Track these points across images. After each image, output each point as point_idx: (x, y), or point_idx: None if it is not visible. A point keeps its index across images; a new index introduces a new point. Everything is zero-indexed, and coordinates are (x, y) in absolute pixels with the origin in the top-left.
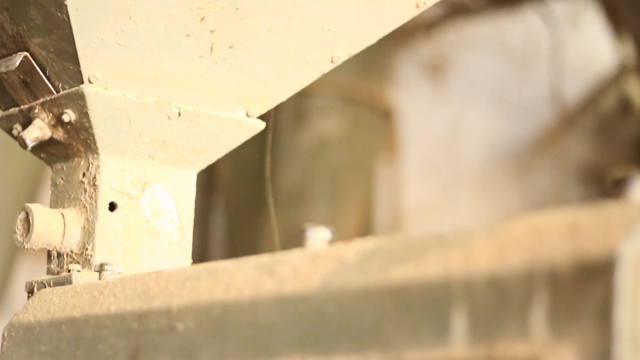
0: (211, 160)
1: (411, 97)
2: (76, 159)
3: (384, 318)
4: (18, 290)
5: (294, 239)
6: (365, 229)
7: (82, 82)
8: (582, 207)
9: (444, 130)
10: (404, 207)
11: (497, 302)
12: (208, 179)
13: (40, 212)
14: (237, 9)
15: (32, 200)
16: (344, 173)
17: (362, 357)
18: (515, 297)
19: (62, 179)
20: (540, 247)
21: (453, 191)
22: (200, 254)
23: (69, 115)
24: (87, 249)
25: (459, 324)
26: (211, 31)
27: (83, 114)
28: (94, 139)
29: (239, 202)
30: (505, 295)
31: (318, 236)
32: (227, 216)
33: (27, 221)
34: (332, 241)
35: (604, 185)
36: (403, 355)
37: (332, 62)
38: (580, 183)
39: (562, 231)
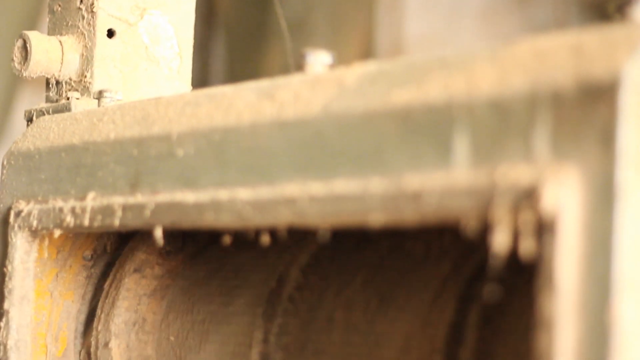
0: None
1: None
2: None
3: (385, 142)
4: (18, 121)
5: (295, 67)
6: (366, 59)
7: None
8: (586, 29)
9: None
10: (405, 37)
11: (500, 124)
12: (208, 9)
13: (38, 40)
14: None
15: (31, 28)
16: (344, 2)
17: (363, 181)
18: (518, 119)
19: (59, 5)
20: (543, 69)
21: (455, 21)
22: (201, 85)
23: None
24: (85, 77)
25: (461, 146)
26: None
27: None
28: None
29: (240, 32)
30: (507, 117)
31: (318, 61)
32: (227, 46)
33: (25, 49)
34: (333, 66)
35: (606, 15)
36: (404, 178)
37: None
38: (583, 12)
39: (566, 53)
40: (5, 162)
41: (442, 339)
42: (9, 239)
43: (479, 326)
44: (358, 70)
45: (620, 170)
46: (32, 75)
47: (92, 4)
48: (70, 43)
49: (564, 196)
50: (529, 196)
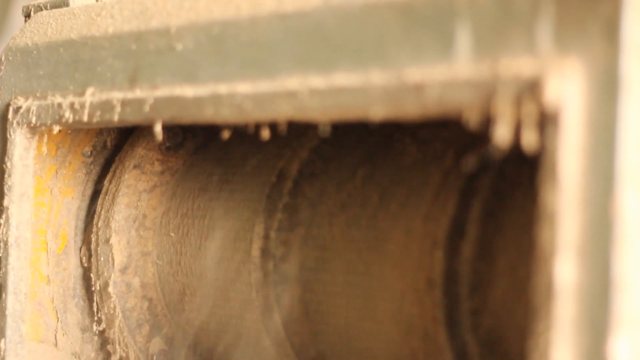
0: None
1: None
2: None
3: (386, 34)
4: (16, 17)
5: None
6: None
7: None
8: None
9: None
10: None
11: (503, 16)
12: None
13: None
14: None
15: None
16: None
17: (364, 74)
18: (521, 12)
19: None
20: None
21: None
22: None
23: None
24: None
25: (463, 39)
26: None
27: None
28: None
29: None
30: (510, 9)
31: None
32: None
33: None
34: None
35: None
36: (405, 71)
37: None
38: None
39: None
40: (3, 58)
41: (443, 233)
42: (8, 136)
43: (481, 220)
44: None
45: (623, 62)
46: None
47: None
48: None
49: (567, 88)
50: (531, 88)
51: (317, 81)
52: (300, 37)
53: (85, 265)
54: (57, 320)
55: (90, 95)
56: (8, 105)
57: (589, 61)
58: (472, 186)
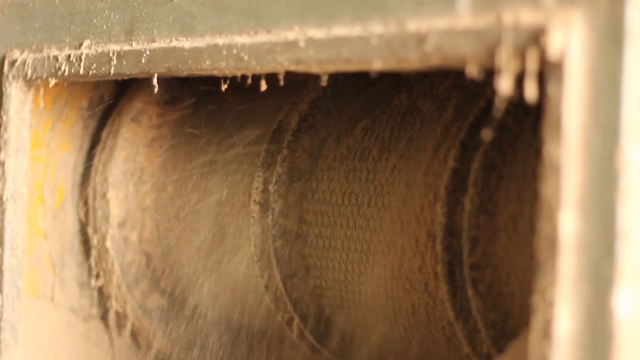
0: None
1: None
2: None
3: None
4: None
5: None
6: None
7: None
8: None
9: None
10: None
11: None
12: None
13: None
14: None
15: None
16: None
17: (364, 27)
18: None
19: None
20: None
21: None
22: None
23: None
24: None
25: None
26: None
27: None
28: None
29: None
30: None
31: None
32: None
33: None
34: None
35: None
36: (406, 24)
37: None
38: None
39: None
40: None
41: (444, 187)
42: (4, 89)
43: (482, 173)
44: None
45: (627, 15)
46: None
47: None
48: None
49: (571, 39)
50: (535, 38)
51: (317, 33)
52: None
53: (83, 220)
54: (55, 276)
55: (87, 48)
56: (3, 58)
57: (593, 13)
58: (473, 138)
